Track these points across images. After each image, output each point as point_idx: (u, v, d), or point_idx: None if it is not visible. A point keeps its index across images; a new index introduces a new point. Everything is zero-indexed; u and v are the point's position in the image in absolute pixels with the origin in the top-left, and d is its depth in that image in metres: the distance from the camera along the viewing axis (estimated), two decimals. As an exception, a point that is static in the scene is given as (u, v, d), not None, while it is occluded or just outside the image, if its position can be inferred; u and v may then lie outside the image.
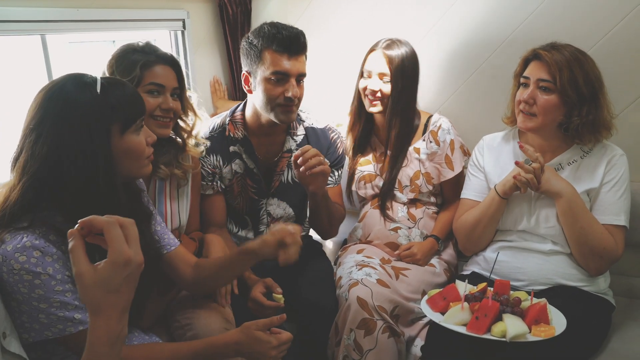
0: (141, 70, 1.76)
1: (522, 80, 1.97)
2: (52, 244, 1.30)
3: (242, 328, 1.56)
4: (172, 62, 1.84)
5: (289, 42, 2.00)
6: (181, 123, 1.94)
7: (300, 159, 1.94)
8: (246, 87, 2.14)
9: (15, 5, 1.92)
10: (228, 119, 2.24)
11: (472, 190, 2.18)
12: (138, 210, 1.61)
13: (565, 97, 1.87)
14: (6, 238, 1.27)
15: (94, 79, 1.38)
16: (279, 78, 2.02)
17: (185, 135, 1.95)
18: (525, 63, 1.99)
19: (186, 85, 1.91)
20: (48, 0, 2.05)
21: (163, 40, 2.74)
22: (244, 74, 2.14)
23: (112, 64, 1.78)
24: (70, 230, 0.99)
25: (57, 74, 2.12)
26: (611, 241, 1.90)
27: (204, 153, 2.10)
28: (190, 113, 1.94)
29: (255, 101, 2.12)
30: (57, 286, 1.28)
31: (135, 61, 1.76)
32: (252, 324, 1.55)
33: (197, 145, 2.02)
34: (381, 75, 2.24)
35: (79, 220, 1.00)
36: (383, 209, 2.36)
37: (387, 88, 2.24)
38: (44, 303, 1.28)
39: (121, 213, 1.38)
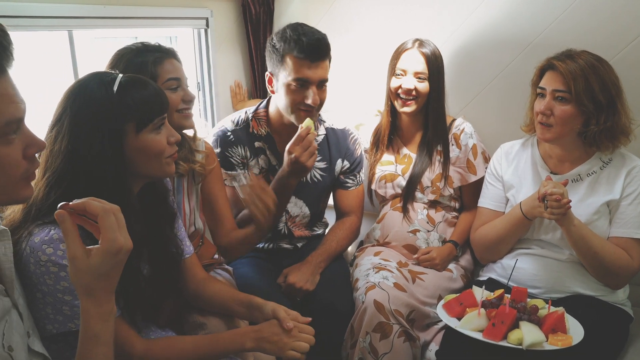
0: (154, 69, 1.73)
1: (538, 90, 1.96)
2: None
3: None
4: (175, 55, 1.81)
5: (310, 49, 1.99)
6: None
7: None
8: (269, 87, 2.15)
9: (44, 1, 1.95)
10: (251, 115, 2.25)
11: (489, 199, 2.17)
12: (163, 211, 1.63)
13: (582, 106, 1.85)
14: (34, 230, 1.29)
15: (114, 77, 1.39)
16: (300, 84, 2.02)
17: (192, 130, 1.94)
18: (541, 73, 1.98)
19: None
20: (75, -4, 2.08)
21: (186, 38, 2.77)
22: (267, 74, 2.14)
23: (120, 67, 1.71)
24: (59, 212, 1.03)
25: (82, 69, 2.16)
26: (625, 258, 1.89)
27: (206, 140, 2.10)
28: None
29: (278, 103, 2.13)
30: None
31: (144, 61, 1.72)
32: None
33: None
34: (416, 74, 2.23)
35: (72, 203, 1.04)
36: (405, 208, 2.36)
37: (422, 86, 2.23)
38: (68, 295, 1.30)
39: (135, 212, 1.41)
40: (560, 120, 1.88)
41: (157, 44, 1.80)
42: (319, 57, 2.02)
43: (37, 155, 1.09)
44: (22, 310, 1.19)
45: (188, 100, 1.81)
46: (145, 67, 1.71)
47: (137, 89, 1.40)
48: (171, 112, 1.75)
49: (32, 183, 1.22)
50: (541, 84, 1.95)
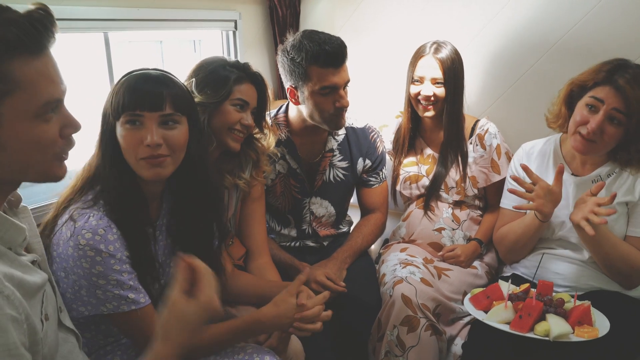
0: (232, 85, 1.82)
1: (592, 102, 1.84)
2: (115, 222, 1.40)
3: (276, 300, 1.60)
4: (257, 82, 1.89)
5: (334, 56, 2.01)
6: (258, 142, 2.01)
7: None
8: (292, 99, 2.15)
9: (80, 4, 2.03)
10: (271, 120, 2.24)
11: (511, 200, 2.16)
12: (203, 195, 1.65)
13: (633, 133, 1.83)
14: (75, 216, 1.39)
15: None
16: (328, 91, 2.04)
17: (260, 153, 2.01)
18: (595, 82, 1.86)
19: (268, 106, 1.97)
20: (111, 0, 2.15)
21: (213, 40, 2.84)
22: (288, 88, 2.13)
23: (201, 74, 1.83)
24: (184, 262, 1.15)
25: (117, 72, 2.23)
26: (638, 259, 1.89)
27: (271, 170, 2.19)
28: (267, 131, 2.02)
29: (306, 113, 2.13)
30: (116, 265, 1.38)
31: (228, 76, 1.82)
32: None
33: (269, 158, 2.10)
34: (434, 81, 2.25)
35: (187, 258, 1.17)
36: (427, 208, 2.39)
37: (440, 91, 2.25)
38: (102, 279, 1.38)
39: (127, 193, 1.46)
40: (608, 141, 1.85)
41: (245, 65, 1.89)
42: (342, 62, 2.05)
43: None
44: (55, 285, 1.25)
45: (244, 124, 1.86)
46: (227, 81, 1.81)
47: None
48: (223, 128, 1.84)
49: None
50: (600, 96, 1.83)
